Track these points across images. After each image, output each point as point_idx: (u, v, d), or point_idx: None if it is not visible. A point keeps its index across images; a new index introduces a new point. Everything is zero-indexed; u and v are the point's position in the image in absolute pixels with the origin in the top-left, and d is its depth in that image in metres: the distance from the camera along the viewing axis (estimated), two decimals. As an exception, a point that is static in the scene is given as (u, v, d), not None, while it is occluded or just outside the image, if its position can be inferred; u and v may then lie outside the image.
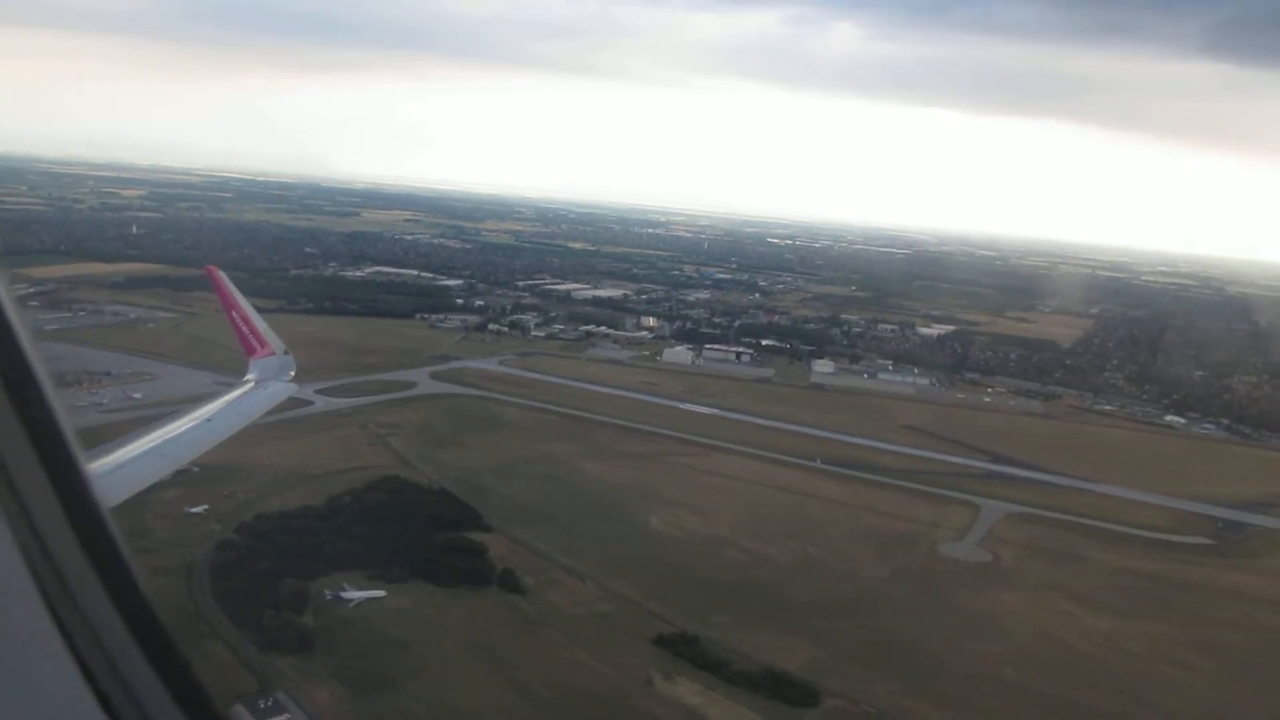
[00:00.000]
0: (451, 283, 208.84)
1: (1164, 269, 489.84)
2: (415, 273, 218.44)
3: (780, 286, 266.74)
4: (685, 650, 56.69)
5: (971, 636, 62.44)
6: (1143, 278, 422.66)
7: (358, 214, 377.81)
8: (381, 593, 58.66)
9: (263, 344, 25.92)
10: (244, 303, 26.55)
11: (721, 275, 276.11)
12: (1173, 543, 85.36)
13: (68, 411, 3.42)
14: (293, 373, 26.02)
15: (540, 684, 51.41)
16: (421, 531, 68.29)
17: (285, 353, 26.27)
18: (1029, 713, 53.48)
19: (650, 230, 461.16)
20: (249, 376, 24.78)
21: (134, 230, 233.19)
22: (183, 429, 19.89)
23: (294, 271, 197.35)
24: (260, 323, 26.27)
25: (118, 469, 15.54)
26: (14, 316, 3.33)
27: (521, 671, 52.43)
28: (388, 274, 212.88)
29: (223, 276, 26.74)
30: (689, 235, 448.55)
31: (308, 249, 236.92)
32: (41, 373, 3.36)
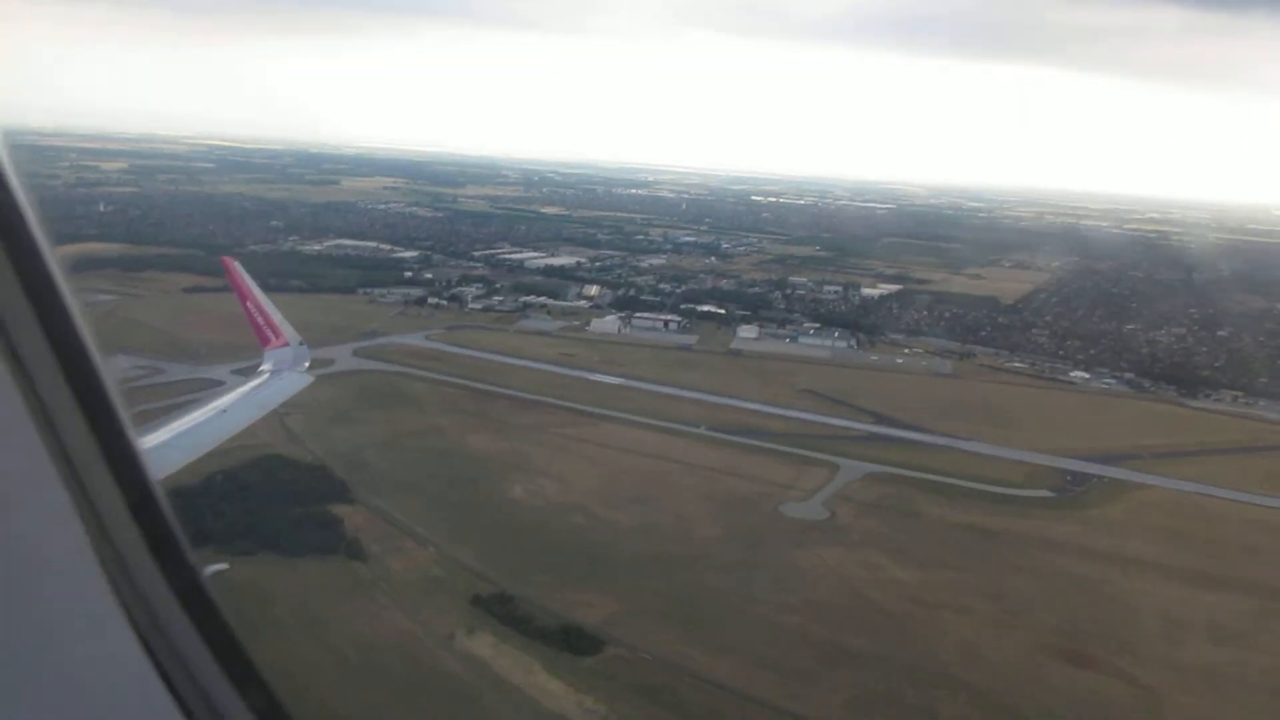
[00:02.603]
0: (408, 254, 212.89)
1: (1154, 215, 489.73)
2: (375, 245, 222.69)
3: (743, 248, 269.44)
4: (497, 608, 63.17)
5: (772, 589, 68.73)
6: (1126, 226, 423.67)
7: (337, 183, 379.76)
8: (225, 565, 64.73)
9: (277, 334, 26.79)
10: (259, 293, 27.31)
11: (687, 238, 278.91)
12: (1014, 496, 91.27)
13: (120, 388, 3.56)
14: (307, 363, 27.37)
15: (349, 642, 58.08)
16: (284, 506, 74.66)
17: (300, 343, 27.27)
18: (792, 655, 59.67)
19: (633, 191, 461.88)
20: (264, 367, 25.93)
21: (101, 208, 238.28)
22: (198, 420, 21.19)
23: (251, 247, 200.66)
24: (275, 313, 27.12)
25: None
26: (68, 295, 3.39)
27: (336, 631, 59.11)
28: (346, 247, 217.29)
29: (238, 267, 27.71)
30: (671, 196, 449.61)
31: (273, 222, 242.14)
32: (94, 349, 3.46)
